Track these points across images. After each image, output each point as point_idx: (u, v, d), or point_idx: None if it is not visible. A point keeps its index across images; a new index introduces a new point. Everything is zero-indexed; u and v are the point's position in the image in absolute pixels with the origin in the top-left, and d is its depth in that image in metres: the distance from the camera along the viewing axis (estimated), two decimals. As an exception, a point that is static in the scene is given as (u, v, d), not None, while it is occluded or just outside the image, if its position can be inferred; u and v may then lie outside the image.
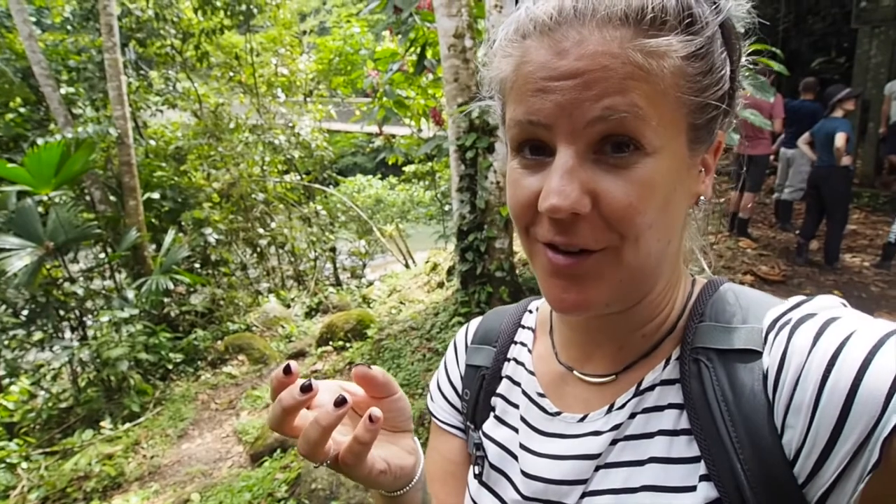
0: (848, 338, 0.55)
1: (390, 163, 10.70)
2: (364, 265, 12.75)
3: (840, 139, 6.35)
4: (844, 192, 6.85)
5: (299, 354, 7.70)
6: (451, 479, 0.90)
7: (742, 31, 0.65)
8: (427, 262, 9.63)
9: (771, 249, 7.58)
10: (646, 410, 0.68)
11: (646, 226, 0.59)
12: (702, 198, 0.68)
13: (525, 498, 0.74)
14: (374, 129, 11.23)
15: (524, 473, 0.75)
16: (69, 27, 9.88)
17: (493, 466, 0.81)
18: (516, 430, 0.79)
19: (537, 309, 0.90)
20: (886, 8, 8.85)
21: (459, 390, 0.91)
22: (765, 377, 0.60)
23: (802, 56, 10.93)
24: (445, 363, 0.96)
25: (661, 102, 0.57)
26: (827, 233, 6.96)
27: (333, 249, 12.23)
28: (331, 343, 7.33)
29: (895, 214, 6.59)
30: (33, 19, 9.11)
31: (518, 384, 0.83)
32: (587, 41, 0.56)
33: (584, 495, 0.69)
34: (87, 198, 8.57)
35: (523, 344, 0.87)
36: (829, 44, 11.11)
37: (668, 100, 0.58)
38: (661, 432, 0.66)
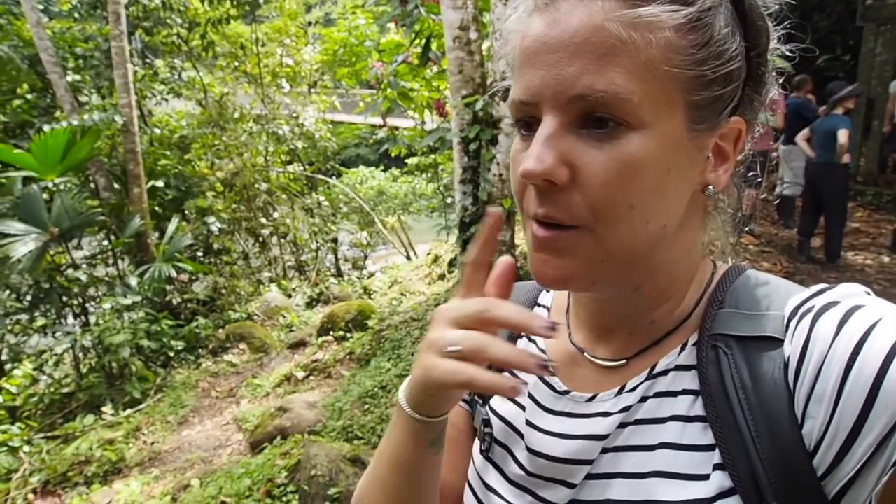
0: (873, 326, 0.53)
1: (393, 154, 10.67)
2: (365, 256, 12.72)
3: (844, 135, 6.31)
4: (843, 190, 6.84)
5: (300, 344, 7.71)
6: (451, 445, 0.86)
7: (769, 11, 0.63)
8: (429, 254, 9.62)
9: (773, 246, 7.56)
10: (658, 395, 0.67)
11: (625, 205, 0.58)
12: (710, 187, 0.64)
13: (529, 474, 0.73)
14: (377, 120, 11.22)
15: (529, 450, 0.73)
16: (77, 15, 9.88)
17: (497, 442, 0.80)
18: (523, 408, 0.77)
19: None
20: (892, 6, 8.79)
21: None
22: (786, 365, 0.58)
23: (807, 53, 10.91)
24: None
25: (647, 77, 0.56)
26: (826, 231, 6.93)
27: (335, 240, 12.21)
28: (331, 333, 7.34)
29: None
30: (41, 7, 9.14)
31: None
32: (574, 12, 0.56)
33: (589, 476, 0.68)
34: (92, 185, 8.57)
35: None
36: (834, 41, 11.04)
37: (656, 74, 0.56)
38: (674, 418, 0.64)
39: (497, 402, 0.83)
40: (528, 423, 0.76)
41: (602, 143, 0.57)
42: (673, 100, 0.58)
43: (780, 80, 0.69)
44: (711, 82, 0.59)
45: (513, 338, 0.86)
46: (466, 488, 0.82)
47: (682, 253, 0.69)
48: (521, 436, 0.76)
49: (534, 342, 0.83)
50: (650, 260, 0.64)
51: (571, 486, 0.69)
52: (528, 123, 0.63)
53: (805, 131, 6.94)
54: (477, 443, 0.83)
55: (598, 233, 0.59)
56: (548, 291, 0.89)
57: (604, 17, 0.55)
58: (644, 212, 0.59)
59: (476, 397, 0.87)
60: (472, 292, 0.66)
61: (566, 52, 0.56)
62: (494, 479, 0.78)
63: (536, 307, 0.88)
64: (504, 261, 0.66)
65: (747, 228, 7.69)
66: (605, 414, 0.69)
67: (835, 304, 0.58)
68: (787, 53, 0.67)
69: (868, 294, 0.62)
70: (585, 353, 0.76)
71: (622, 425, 0.67)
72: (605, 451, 0.68)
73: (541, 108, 0.59)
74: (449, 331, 0.62)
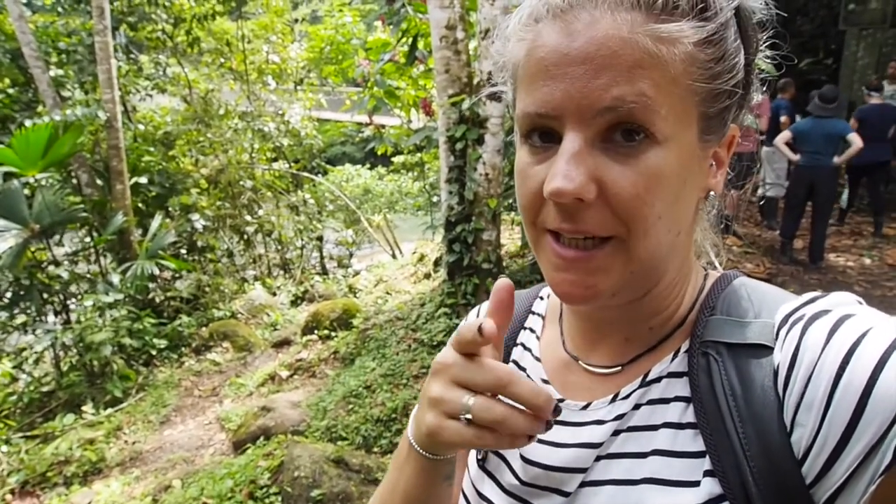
0: (863, 335, 0.54)
1: (379, 153, 10.67)
2: (351, 255, 12.68)
3: (859, 138, 6.41)
4: (834, 192, 7.02)
5: (284, 343, 7.68)
6: None
7: (758, 22, 0.64)
8: (414, 252, 9.62)
9: (756, 247, 7.63)
10: (651, 402, 0.67)
11: (654, 217, 0.58)
12: (711, 193, 0.68)
13: (523, 483, 0.73)
14: (364, 118, 11.22)
15: (523, 458, 0.74)
16: (60, 9, 9.79)
17: (493, 450, 0.79)
18: None
19: (548, 296, 0.89)
20: (874, 11, 8.96)
21: None
22: (775, 373, 0.58)
23: (790, 57, 11.10)
24: None
25: (672, 90, 0.57)
26: (814, 232, 6.97)
27: (320, 238, 12.16)
28: (316, 332, 7.31)
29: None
30: (24, 0, 8.99)
31: (524, 370, 0.82)
32: (598, 24, 0.56)
33: (583, 484, 0.68)
34: (74, 181, 8.48)
35: (532, 330, 0.86)
36: (817, 45, 11.19)
37: (679, 87, 0.57)
38: (666, 425, 0.65)
39: None
40: None
41: (628, 158, 0.57)
42: (690, 113, 0.59)
43: (765, 85, 0.70)
44: (721, 94, 0.61)
45: (509, 345, 0.87)
46: (461, 498, 0.83)
47: (684, 258, 0.70)
48: None
49: (529, 350, 0.84)
50: (664, 266, 0.66)
51: (565, 494, 0.69)
52: (541, 135, 0.61)
53: (786, 134, 6.93)
54: (473, 452, 0.83)
55: (630, 244, 0.60)
56: (542, 299, 0.90)
57: (631, 29, 0.55)
58: (668, 221, 0.60)
59: None
60: (470, 355, 0.62)
61: (592, 65, 0.55)
62: (489, 488, 0.78)
63: (531, 315, 0.89)
64: (504, 286, 0.65)
65: (731, 227, 7.73)
66: (600, 422, 0.69)
67: (825, 312, 0.59)
68: (768, 60, 0.68)
69: (860, 303, 0.62)
70: (579, 361, 0.76)
71: (616, 433, 0.68)
72: (598, 458, 0.68)
73: (563, 122, 0.58)
74: (454, 391, 0.61)
